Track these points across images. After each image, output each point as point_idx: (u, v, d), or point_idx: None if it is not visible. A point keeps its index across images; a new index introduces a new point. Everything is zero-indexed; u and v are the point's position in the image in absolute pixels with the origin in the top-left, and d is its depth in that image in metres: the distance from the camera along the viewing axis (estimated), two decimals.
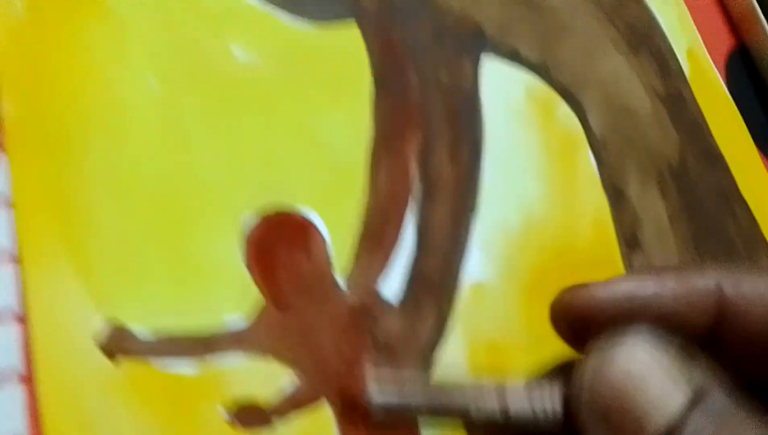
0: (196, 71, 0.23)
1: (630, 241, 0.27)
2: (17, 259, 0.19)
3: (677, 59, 0.31)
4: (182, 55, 0.23)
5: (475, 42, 0.28)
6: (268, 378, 0.20)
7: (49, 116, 0.21)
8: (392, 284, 0.23)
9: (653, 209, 0.28)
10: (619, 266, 0.26)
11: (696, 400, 0.14)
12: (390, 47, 0.27)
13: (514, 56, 0.29)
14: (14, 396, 0.18)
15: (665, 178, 0.29)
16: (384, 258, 0.23)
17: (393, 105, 0.26)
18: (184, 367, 0.19)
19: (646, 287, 0.16)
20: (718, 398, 0.14)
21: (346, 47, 0.26)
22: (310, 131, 0.24)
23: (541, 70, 0.29)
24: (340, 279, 0.22)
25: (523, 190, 0.26)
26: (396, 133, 0.25)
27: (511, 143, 0.27)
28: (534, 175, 0.27)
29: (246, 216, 0.22)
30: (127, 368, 0.19)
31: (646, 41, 0.31)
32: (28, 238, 0.19)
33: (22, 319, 0.19)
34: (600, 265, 0.26)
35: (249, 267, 0.21)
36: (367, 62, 0.26)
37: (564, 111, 0.28)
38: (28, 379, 0.18)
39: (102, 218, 0.20)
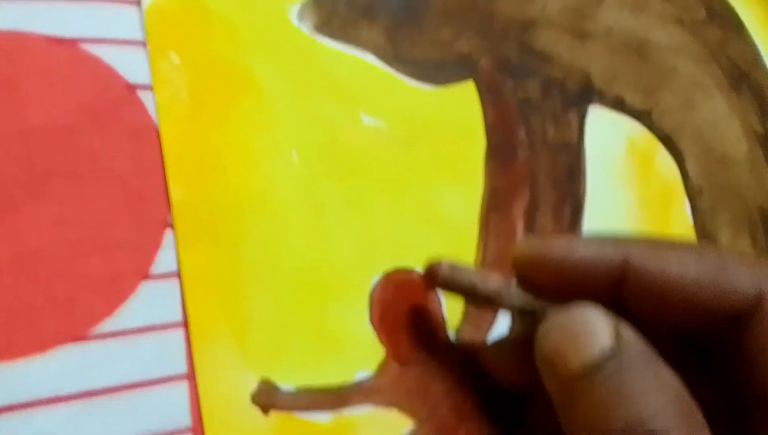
0: (330, 142, 0.26)
1: None
2: (185, 325, 0.23)
3: None
4: (319, 128, 0.26)
5: (583, 93, 0.29)
6: (391, 427, 0.23)
7: (210, 197, 0.24)
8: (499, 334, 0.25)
9: None
10: None
11: (618, 347, 0.18)
12: (501, 103, 0.28)
13: (619, 105, 0.30)
14: None
15: (757, 225, 0.30)
16: (492, 315, 0.26)
17: (503, 165, 0.27)
18: (321, 417, 0.23)
19: (573, 249, 0.21)
20: (635, 346, 0.18)
21: (462, 105, 0.28)
22: (430, 199, 0.26)
23: (644, 117, 0.30)
24: (452, 334, 0.25)
25: None
26: (505, 194, 0.27)
27: (611, 200, 0.28)
28: (631, 231, 0.28)
29: (373, 280, 0.25)
30: (276, 420, 0.22)
31: (747, 79, 0.32)
32: (193, 308, 0.23)
33: (190, 379, 0.22)
34: None
35: (373, 324, 0.24)
36: (481, 120, 0.28)
37: (664, 158, 0.30)
38: (196, 430, 0.22)
39: (255, 289, 0.23)
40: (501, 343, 0.24)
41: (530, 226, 0.27)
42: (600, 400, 0.18)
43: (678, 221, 0.29)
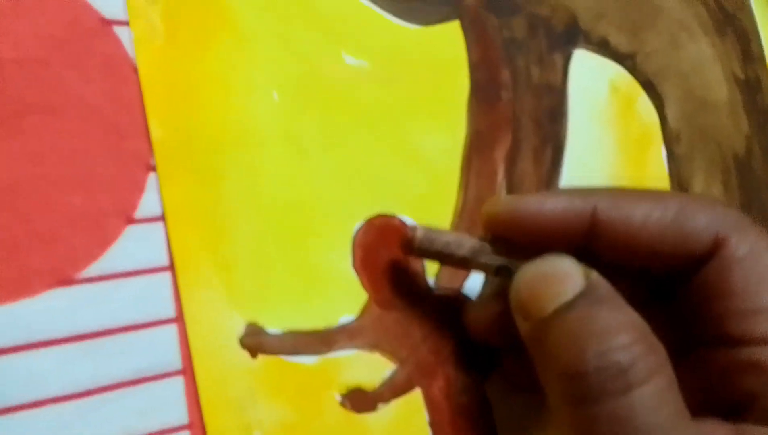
0: (311, 81, 0.25)
1: None
2: (172, 268, 0.23)
3: (760, 41, 0.32)
4: (299, 66, 0.25)
5: (568, 34, 0.29)
6: (373, 368, 0.24)
7: (190, 135, 0.23)
8: (475, 283, 0.26)
9: None
10: None
11: (587, 290, 0.20)
12: (485, 41, 0.28)
13: (603, 46, 0.30)
14: (175, 386, 0.22)
15: (730, 170, 0.31)
16: None
17: (486, 106, 0.27)
18: (306, 360, 0.24)
19: (543, 204, 0.22)
20: (603, 288, 0.20)
21: (447, 45, 0.27)
22: (412, 140, 0.26)
23: (627, 60, 0.30)
24: (431, 280, 0.26)
25: None
26: (487, 136, 0.27)
27: (591, 143, 0.29)
28: (608, 176, 0.29)
29: (357, 225, 0.25)
30: (263, 361, 0.23)
31: (733, 21, 0.32)
32: (179, 249, 0.23)
33: (179, 321, 0.23)
34: None
35: (356, 269, 0.25)
36: (465, 61, 0.27)
37: (644, 103, 0.30)
38: (185, 371, 0.23)
39: (239, 230, 0.24)
40: (477, 302, 0.25)
41: (511, 169, 0.28)
42: (571, 336, 0.19)
43: (654, 166, 0.30)
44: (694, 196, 0.21)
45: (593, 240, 0.22)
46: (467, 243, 0.23)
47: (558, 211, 0.22)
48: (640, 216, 0.21)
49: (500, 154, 0.28)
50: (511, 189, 0.27)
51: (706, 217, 0.21)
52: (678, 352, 0.21)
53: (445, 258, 0.23)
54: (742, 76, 0.31)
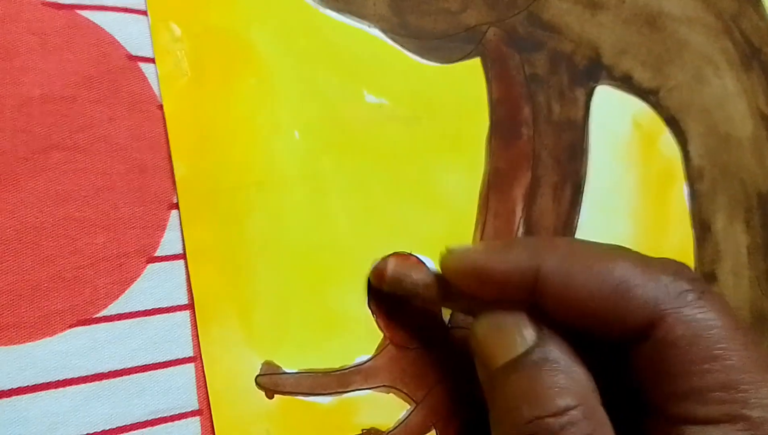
0: (332, 120, 0.25)
1: (708, 277, 0.29)
2: (192, 308, 0.23)
3: None
4: (321, 105, 0.25)
5: (591, 69, 0.29)
6: (389, 408, 0.24)
7: (213, 174, 0.24)
8: None
9: (735, 244, 0.30)
10: None
11: (535, 348, 0.21)
12: (507, 78, 0.28)
13: (627, 82, 0.29)
14: (192, 427, 0.23)
15: (753, 209, 0.30)
16: None
17: (506, 144, 0.27)
18: (322, 399, 0.24)
19: (488, 261, 0.22)
20: (553, 347, 0.21)
21: (467, 83, 0.27)
22: (430, 178, 0.26)
23: (651, 95, 0.30)
24: (446, 318, 0.26)
25: (616, 231, 0.28)
26: (507, 174, 0.27)
27: (611, 182, 0.29)
28: (628, 215, 0.29)
29: (373, 264, 0.25)
30: (280, 402, 0.23)
31: (759, 55, 0.31)
32: (199, 288, 0.23)
33: (197, 360, 0.23)
34: None
35: (371, 308, 0.25)
36: (485, 98, 0.27)
37: (667, 140, 0.30)
38: (202, 412, 0.23)
39: (258, 269, 0.24)
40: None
41: (530, 206, 0.27)
42: (514, 394, 0.20)
43: (676, 204, 0.29)
44: (645, 261, 0.21)
45: (540, 297, 0.21)
46: (433, 285, 0.23)
47: (502, 268, 0.22)
48: (581, 283, 0.21)
49: (519, 192, 0.27)
50: (529, 227, 0.27)
51: (645, 293, 0.20)
52: (632, 416, 0.21)
53: (413, 297, 0.24)
54: (767, 111, 0.30)
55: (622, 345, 0.21)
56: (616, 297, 0.20)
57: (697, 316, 0.20)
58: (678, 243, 0.29)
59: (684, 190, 0.29)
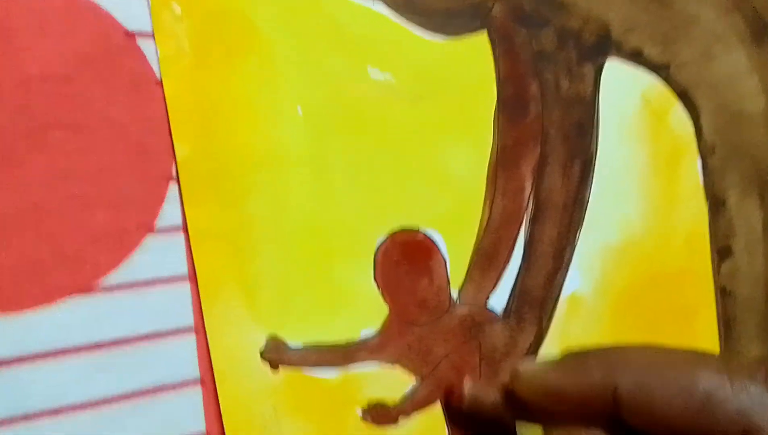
0: (337, 96, 0.25)
1: (722, 251, 0.29)
2: (192, 279, 0.23)
3: None
4: (325, 82, 0.25)
5: (599, 45, 0.28)
6: (395, 383, 0.24)
7: (215, 153, 0.24)
8: (500, 298, 0.26)
9: (749, 218, 0.29)
10: (708, 276, 0.28)
11: None
12: (514, 54, 0.28)
13: (636, 57, 0.29)
14: (194, 396, 0.23)
15: (766, 185, 0.30)
16: (495, 275, 0.26)
17: (513, 120, 0.27)
18: (327, 374, 0.24)
19: (561, 383, 0.21)
20: None
21: (474, 58, 0.27)
22: (437, 155, 0.26)
23: (661, 70, 0.29)
24: (455, 292, 0.26)
25: (627, 208, 0.28)
26: (514, 150, 0.27)
27: (621, 158, 0.28)
28: (639, 191, 0.28)
29: (379, 239, 0.25)
30: (284, 375, 0.23)
31: None
32: (201, 262, 0.23)
33: (198, 332, 0.23)
34: (689, 274, 0.28)
35: (377, 283, 0.25)
36: (492, 74, 0.27)
37: (678, 115, 0.29)
38: (204, 381, 0.23)
39: (262, 243, 0.24)
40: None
41: (539, 184, 0.27)
42: None
43: (688, 179, 0.29)
44: (729, 368, 0.20)
45: (620, 413, 0.21)
46: (510, 404, 0.22)
47: (577, 389, 0.21)
48: (664, 401, 0.20)
49: (527, 169, 0.27)
50: (538, 204, 0.27)
51: (735, 407, 0.20)
52: None
53: (494, 417, 0.22)
54: None
55: None
56: (705, 413, 0.20)
57: None
58: (690, 217, 0.29)
59: (697, 163, 0.29)
